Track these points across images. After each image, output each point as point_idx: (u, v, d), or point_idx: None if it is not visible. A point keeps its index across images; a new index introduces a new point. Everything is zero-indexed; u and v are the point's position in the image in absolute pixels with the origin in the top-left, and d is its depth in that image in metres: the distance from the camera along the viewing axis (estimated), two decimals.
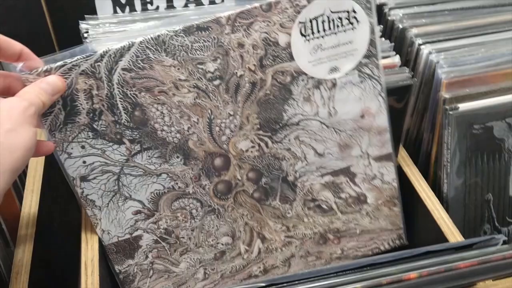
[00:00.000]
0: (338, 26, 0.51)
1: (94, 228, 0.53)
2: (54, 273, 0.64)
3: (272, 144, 0.54)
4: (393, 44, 0.62)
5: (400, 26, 0.67)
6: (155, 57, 0.47)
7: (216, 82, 0.50)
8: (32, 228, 0.57)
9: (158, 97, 0.49)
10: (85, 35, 0.62)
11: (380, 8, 0.70)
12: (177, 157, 0.51)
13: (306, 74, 0.52)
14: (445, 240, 0.56)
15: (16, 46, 0.44)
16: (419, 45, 0.64)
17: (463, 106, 0.61)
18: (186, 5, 0.69)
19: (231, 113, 0.51)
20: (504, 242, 0.45)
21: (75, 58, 0.46)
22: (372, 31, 0.53)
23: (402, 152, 0.66)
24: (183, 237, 0.55)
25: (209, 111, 0.50)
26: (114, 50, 0.46)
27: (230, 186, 0.54)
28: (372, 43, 0.53)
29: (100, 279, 0.50)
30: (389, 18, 0.69)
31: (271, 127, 0.53)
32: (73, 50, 0.47)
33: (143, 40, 0.47)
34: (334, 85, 0.53)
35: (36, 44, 0.68)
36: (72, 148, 0.48)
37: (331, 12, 0.51)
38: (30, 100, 0.42)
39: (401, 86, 0.58)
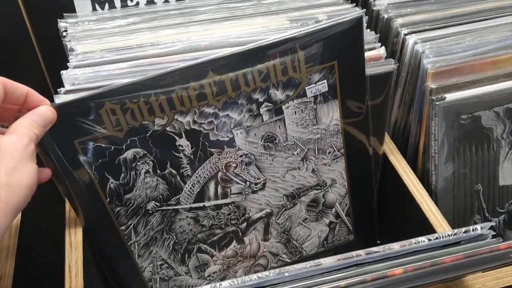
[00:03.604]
0: None
1: (78, 230, 0.52)
2: (38, 278, 0.63)
3: None
4: (378, 35, 0.60)
5: (385, 16, 0.66)
6: None
7: None
8: (14, 238, 0.56)
9: None
10: (64, 33, 0.61)
11: None
12: None
13: None
14: (433, 233, 0.54)
15: (23, 88, 0.44)
16: (405, 35, 0.63)
17: (450, 96, 0.60)
18: (166, 1, 0.68)
19: None
20: (494, 236, 0.44)
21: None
22: None
23: (390, 144, 0.65)
24: None
25: None
26: None
27: None
28: None
29: (84, 282, 0.49)
30: (374, 8, 0.68)
31: None
32: None
33: None
34: None
35: (15, 44, 0.67)
36: None
37: None
38: (29, 136, 0.41)
39: (380, 73, 0.57)
